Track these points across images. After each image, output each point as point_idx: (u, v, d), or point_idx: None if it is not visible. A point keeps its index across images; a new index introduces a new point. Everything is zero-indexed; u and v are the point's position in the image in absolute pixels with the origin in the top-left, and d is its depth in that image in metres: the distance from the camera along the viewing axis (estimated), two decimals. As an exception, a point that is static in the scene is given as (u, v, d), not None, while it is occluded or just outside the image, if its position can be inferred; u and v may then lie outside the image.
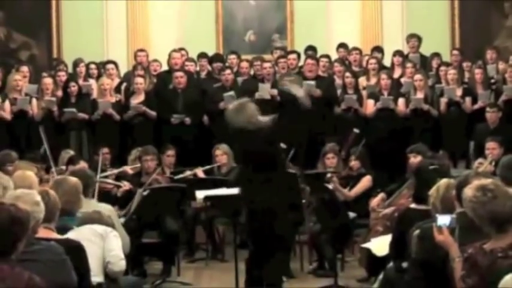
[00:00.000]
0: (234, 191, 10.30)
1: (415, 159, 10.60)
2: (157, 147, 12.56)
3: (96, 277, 6.62)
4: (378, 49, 15.47)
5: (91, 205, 7.76)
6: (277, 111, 9.72)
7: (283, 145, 11.75)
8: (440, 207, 6.68)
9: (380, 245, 8.53)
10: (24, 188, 6.49)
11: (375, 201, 10.91)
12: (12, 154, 10.83)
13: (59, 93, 14.27)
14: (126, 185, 10.88)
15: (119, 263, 7.01)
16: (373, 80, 14.53)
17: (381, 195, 11.21)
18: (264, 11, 16.79)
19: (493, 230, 5.30)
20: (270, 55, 15.53)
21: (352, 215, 11.25)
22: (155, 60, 15.14)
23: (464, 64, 14.96)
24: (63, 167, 11.29)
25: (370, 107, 14.10)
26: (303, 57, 14.93)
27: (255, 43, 16.71)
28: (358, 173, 11.69)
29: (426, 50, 15.52)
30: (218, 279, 10.77)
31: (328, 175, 11.10)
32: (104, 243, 6.89)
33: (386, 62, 15.26)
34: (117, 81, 14.68)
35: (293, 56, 14.87)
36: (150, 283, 10.13)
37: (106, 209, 8.16)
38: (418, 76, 14.10)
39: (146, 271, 10.50)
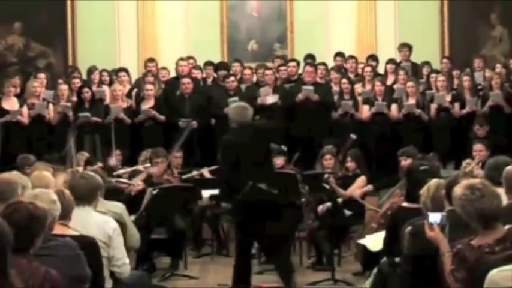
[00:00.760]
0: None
1: (405, 162, 10.62)
2: (166, 149, 12.58)
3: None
4: (373, 57, 15.48)
5: (102, 204, 7.76)
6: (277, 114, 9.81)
7: (284, 147, 11.82)
8: (431, 206, 6.67)
9: (374, 241, 8.52)
10: (41, 187, 6.50)
11: (358, 190, 11.09)
12: (30, 157, 10.87)
13: (74, 98, 14.28)
14: (140, 185, 10.86)
15: (125, 270, 7.02)
16: (368, 87, 14.56)
17: (368, 186, 11.53)
18: (265, 21, 16.78)
19: (481, 227, 5.30)
20: (271, 63, 15.52)
21: (348, 213, 11.27)
22: (164, 68, 15.16)
23: (454, 72, 14.96)
24: (80, 168, 11.29)
25: (365, 111, 14.13)
26: (302, 64, 14.91)
27: (257, 52, 16.69)
28: (353, 173, 11.68)
29: (417, 58, 15.51)
30: (223, 272, 10.74)
31: (326, 175, 11.08)
32: (109, 249, 6.88)
33: (380, 69, 15.25)
34: (128, 87, 14.70)
35: (293, 63, 14.88)
36: (159, 276, 10.11)
37: (118, 207, 8.16)
38: (410, 83, 14.15)
39: (155, 265, 10.50)
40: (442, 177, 7.29)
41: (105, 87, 14.66)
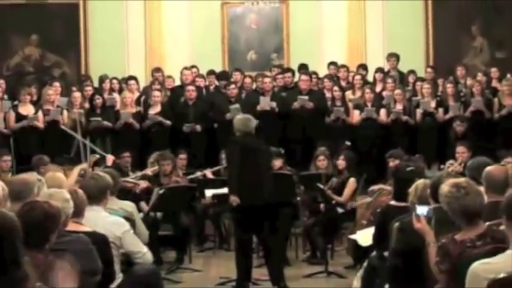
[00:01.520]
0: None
1: (393, 163, 10.63)
2: (172, 151, 12.62)
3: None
4: (363, 67, 15.48)
5: (114, 202, 7.77)
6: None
7: (281, 150, 11.82)
8: (418, 204, 6.68)
9: (364, 237, 8.53)
10: (54, 187, 6.51)
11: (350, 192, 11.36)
12: (44, 158, 10.90)
13: (86, 105, 14.28)
14: (143, 184, 10.84)
15: (146, 259, 7.06)
16: (358, 94, 14.57)
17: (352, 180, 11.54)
18: (263, 33, 16.78)
19: (464, 223, 5.30)
20: (269, 72, 15.52)
21: (340, 210, 11.28)
22: (169, 77, 15.17)
23: (439, 80, 14.97)
24: (90, 169, 11.29)
25: (355, 116, 14.14)
26: (297, 73, 14.93)
27: (255, 61, 16.70)
28: (344, 177, 11.65)
29: (404, 67, 15.53)
30: (225, 266, 10.75)
31: (321, 186, 11.04)
32: (123, 247, 6.88)
33: (370, 77, 15.26)
34: (137, 94, 14.70)
35: (288, 74, 14.87)
36: (166, 269, 10.11)
37: (128, 205, 8.18)
38: (398, 91, 14.20)
39: (162, 259, 10.49)
40: (427, 177, 7.30)
41: (115, 95, 14.67)
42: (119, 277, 6.69)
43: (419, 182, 6.88)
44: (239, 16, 16.71)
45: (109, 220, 6.91)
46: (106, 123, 13.86)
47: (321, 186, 11.00)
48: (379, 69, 15.31)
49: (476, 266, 4.73)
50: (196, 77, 14.97)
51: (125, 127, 13.88)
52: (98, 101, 14.15)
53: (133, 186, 11.00)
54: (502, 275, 4.48)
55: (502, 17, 16.39)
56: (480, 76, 14.92)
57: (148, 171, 11.77)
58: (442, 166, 11.64)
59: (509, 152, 11.11)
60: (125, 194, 9.46)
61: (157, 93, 14.19)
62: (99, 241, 6.05)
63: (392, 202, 7.83)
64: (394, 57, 15.58)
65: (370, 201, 10.13)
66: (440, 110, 14.02)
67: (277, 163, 11.25)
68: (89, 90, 14.62)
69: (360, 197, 11.41)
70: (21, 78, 15.99)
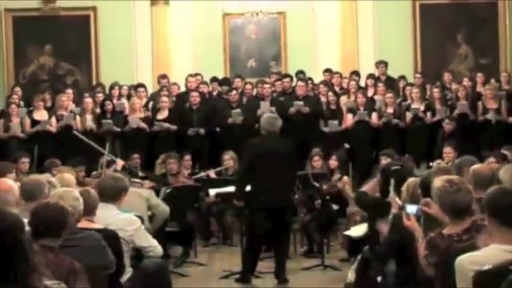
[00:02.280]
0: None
1: (385, 161, 10.62)
2: (177, 153, 12.66)
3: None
4: (355, 73, 15.48)
5: (131, 193, 7.82)
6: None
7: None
8: (409, 201, 6.68)
9: (356, 231, 8.57)
10: (65, 187, 6.52)
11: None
12: (55, 161, 10.91)
13: (98, 110, 14.31)
14: (148, 183, 10.82)
15: (157, 252, 7.07)
16: (351, 98, 14.57)
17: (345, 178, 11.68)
18: (262, 42, 16.79)
19: (452, 217, 5.31)
20: (268, 78, 15.51)
21: (335, 207, 11.28)
22: (174, 83, 15.17)
23: (427, 85, 14.98)
24: (100, 170, 11.31)
25: (349, 119, 14.13)
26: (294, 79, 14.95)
27: (255, 69, 16.70)
28: (338, 178, 11.71)
29: (394, 73, 15.52)
30: (228, 260, 10.77)
31: (316, 184, 11.04)
32: (135, 243, 6.88)
33: (362, 83, 15.26)
34: (145, 100, 14.70)
35: (287, 79, 14.90)
36: (172, 264, 10.10)
37: (144, 191, 8.30)
38: (389, 95, 14.20)
39: (169, 254, 10.48)
40: (415, 175, 7.30)
41: (124, 100, 14.67)
42: (129, 271, 6.68)
43: (411, 181, 6.88)
44: (239, 27, 16.71)
45: (121, 217, 6.91)
46: (115, 128, 13.88)
47: (317, 184, 11.01)
48: (371, 76, 15.33)
49: (463, 258, 4.72)
50: (200, 83, 14.97)
51: (133, 131, 13.88)
52: (109, 106, 14.20)
53: (140, 187, 11.03)
54: (486, 267, 4.47)
55: (485, 26, 16.40)
56: (466, 81, 14.92)
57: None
58: (430, 164, 11.63)
59: (492, 152, 11.12)
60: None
61: (165, 98, 14.22)
62: (110, 237, 6.04)
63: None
64: (383, 63, 15.58)
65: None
66: (428, 113, 14.04)
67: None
68: (100, 96, 14.64)
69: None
70: (36, 85, 16.00)
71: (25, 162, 11.61)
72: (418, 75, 15.46)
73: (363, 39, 16.47)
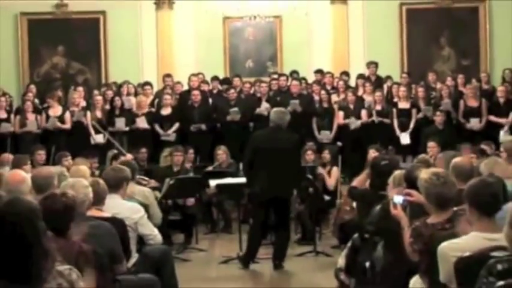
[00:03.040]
0: (237, 180, 10.41)
1: (374, 154, 10.64)
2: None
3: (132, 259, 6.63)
4: (345, 73, 15.48)
5: (134, 188, 7.82)
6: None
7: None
8: (396, 192, 6.69)
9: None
10: (78, 177, 6.52)
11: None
12: (66, 153, 10.90)
13: (107, 107, 14.32)
14: (152, 182, 10.81)
15: (157, 240, 7.07)
16: (342, 96, 14.56)
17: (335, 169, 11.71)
18: (260, 44, 16.79)
19: (436, 207, 5.32)
20: (265, 78, 15.50)
21: (326, 197, 11.30)
22: (178, 82, 15.17)
23: (413, 85, 14.99)
24: (108, 162, 11.34)
25: (340, 116, 14.12)
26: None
27: (253, 69, 16.70)
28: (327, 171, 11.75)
29: (382, 73, 15.53)
30: (227, 246, 10.78)
31: (310, 176, 11.05)
32: (138, 230, 6.89)
33: (352, 82, 15.26)
34: (151, 97, 14.69)
35: (283, 78, 14.87)
36: (175, 250, 10.10)
37: (146, 191, 8.29)
38: (378, 93, 14.18)
39: (172, 241, 10.48)
40: (401, 168, 7.32)
41: (131, 98, 14.67)
42: (135, 256, 6.69)
43: (397, 173, 6.89)
44: (238, 29, 16.70)
45: (127, 206, 6.92)
46: (123, 128, 13.95)
47: (310, 176, 11.02)
48: (360, 76, 15.32)
49: (445, 245, 4.73)
50: (201, 82, 14.96)
51: (142, 129, 13.94)
52: (118, 102, 14.22)
53: (145, 184, 11.07)
54: (467, 254, 4.48)
55: (466, 30, 16.42)
56: (449, 81, 14.93)
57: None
58: (415, 159, 11.64)
59: (472, 147, 11.14)
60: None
61: (168, 96, 14.23)
62: (118, 225, 6.05)
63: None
64: (373, 64, 15.58)
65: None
66: (414, 110, 14.04)
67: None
68: (109, 94, 14.64)
69: (342, 186, 11.45)
70: (49, 84, 15.98)
71: (41, 154, 11.61)
72: (404, 75, 15.44)
73: (353, 42, 16.47)
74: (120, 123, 13.92)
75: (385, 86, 15.07)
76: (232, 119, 13.88)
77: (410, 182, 6.22)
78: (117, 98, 14.28)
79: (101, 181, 6.55)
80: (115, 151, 12.34)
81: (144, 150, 12.65)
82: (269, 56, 16.79)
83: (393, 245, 6.03)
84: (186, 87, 15.00)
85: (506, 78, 14.99)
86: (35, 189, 6.30)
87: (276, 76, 15.19)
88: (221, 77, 15.71)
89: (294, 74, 15.27)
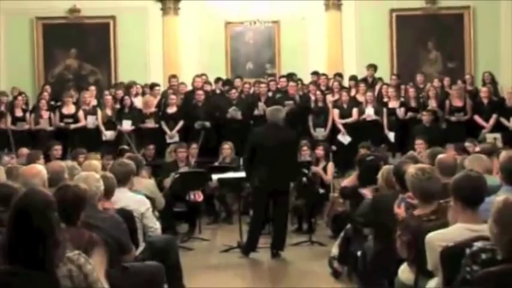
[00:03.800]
0: (238, 174, 10.41)
1: (364, 151, 10.64)
2: (185, 143, 12.72)
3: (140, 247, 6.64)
4: (339, 75, 15.47)
5: (140, 181, 7.82)
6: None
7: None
8: (385, 186, 6.70)
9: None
10: (91, 171, 6.52)
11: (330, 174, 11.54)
12: (82, 149, 10.92)
13: (117, 106, 14.33)
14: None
15: (157, 233, 7.09)
16: (336, 96, 14.55)
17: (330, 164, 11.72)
18: (259, 47, 16.76)
19: (421, 201, 5.33)
20: (264, 79, 15.48)
21: (321, 191, 11.29)
22: (182, 83, 15.16)
23: (402, 86, 14.99)
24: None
25: (335, 114, 14.10)
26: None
27: (253, 70, 16.67)
28: (323, 166, 11.75)
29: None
30: (228, 236, 10.77)
31: (306, 171, 11.05)
32: (143, 221, 6.89)
33: (345, 84, 15.25)
34: (158, 97, 14.68)
35: (283, 79, 14.88)
36: (180, 239, 10.11)
37: (150, 183, 8.31)
38: (369, 93, 14.15)
39: (177, 230, 10.49)
40: (390, 164, 7.32)
41: (139, 97, 14.69)
42: (142, 245, 6.69)
43: (385, 168, 6.90)
44: (239, 34, 16.68)
45: (135, 199, 6.92)
46: (130, 128, 13.97)
47: (306, 171, 11.02)
48: (352, 77, 15.33)
49: (432, 236, 4.74)
50: (204, 83, 14.94)
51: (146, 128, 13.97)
52: (127, 101, 14.24)
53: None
54: (452, 243, 4.49)
55: (452, 35, 16.41)
56: (436, 82, 14.92)
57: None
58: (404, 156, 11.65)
59: (457, 144, 11.16)
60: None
61: (173, 96, 14.23)
62: (126, 217, 6.07)
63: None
64: (372, 67, 15.57)
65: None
66: (402, 109, 14.03)
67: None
68: (119, 93, 14.66)
69: (335, 180, 11.47)
70: (63, 84, 15.98)
71: (57, 149, 11.65)
72: (394, 77, 15.44)
73: (346, 45, 16.46)
74: (127, 125, 13.92)
75: (377, 87, 15.04)
76: (233, 117, 13.88)
77: (399, 176, 6.23)
78: (126, 98, 14.31)
79: (110, 175, 6.55)
80: (125, 147, 12.38)
81: (151, 147, 12.74)
82: (268, 58, 16.77)
83: (382, 235, 6.04)
84: (189, 88, 15.00)
85: (486, 81, 15.02)
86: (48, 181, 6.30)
87: (272, 78, 15.22)
88: (223, 78, 15.69)
89: (291, 75, 15.25)
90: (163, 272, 6.41)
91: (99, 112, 14.10)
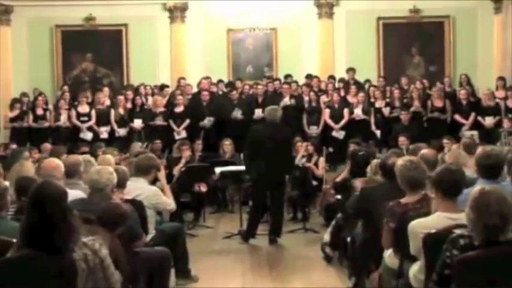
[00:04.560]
0: (238, 168, 10.41)
1: (353, 147, 10.63)
2: (190, 140, 12.69)
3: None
4: (331, 77, 15.45)
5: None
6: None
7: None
8: (374, 177, 6.71)
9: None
10: (105, 165, 6.52)
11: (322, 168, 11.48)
12: (101, 144, 10.99)
13: (129, 105, 14.35)
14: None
15: (173, 207, 7.19)
16: (328, 97, 14.55)
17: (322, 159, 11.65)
18: (258, 52, 16.72)
19: (408, 189, 5.34)
20: (262, 81, 15.47)
21: (314, 183, 11.30)
22: (188, 85, 15.18)
23: (387, 87, 14.98)
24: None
25: (326, 113, 14.10)
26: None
27: (252, 73, 16.63)
28: (315, 160, 11.73)
29: (361, 77, 15.54)
30: (229, 224, 10.79)
31: (300, 164, 11.06)
32: (157, 206, 6.91)
33: (336, 85, 15.25)
34: (167, 98, 14.68)
35: (277, 82, 14.87)
36: (186, 226, 10.11)
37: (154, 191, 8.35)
38: (360, 95, 14.17)
39: (183, 218, 10.49)
40: (378, 158, 7.33)
41: (149, 97, 14.70)
42: (152, 232, 6.70)
43: (374, 162, 6.91)
44: (240, 40, 16.64)
45: (150, 188, 6.94)
46: (141, 125, 14.00)
47: (300, 164, 11.03)
48: (341, 80, 15.35)
49: (414, 223, 4.75)
50: (209, 84, 14.92)
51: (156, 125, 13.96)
52: (139, 101, 14.29)
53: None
54: (433, 231, 4.49)
55: (433, 41, 16.39)
56: (418, 84, 14.91)
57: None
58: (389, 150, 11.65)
59: (437, 140, 11.18)
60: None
61: (180, 97, 14.26)
62: (137, 206, 6.06)
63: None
64: (352, 70, 15.56)
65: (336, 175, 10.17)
66: (387, 109, 14.06)
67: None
68: (130, 94, 14.68)
69: (327, 173, 11.46)
70: (79, 85, 15.96)
71: (84, 149, 11.67)
72: (381, 79, 15.44)
73: (337, 50, 16.43)
74: (138, 124, 13.99)
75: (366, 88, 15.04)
76: (235, 116, 13.91)
77: (385, 169, 6.24)
78: (137, 98, 14.36)
79: (122, 168, 6.56)
80: (139, 143, 12.45)
81: (158, 141, 12.75)
82: (266, 62, 16.74)
83: (370, 224, 6.04)
84: (195, 89, 15.01)
85: (463, 83, 15.03)
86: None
87: (269, 80, 15.22)
88: (225, 80, 15.70)
89: (286, 78, 15.25)
90: (170, 256, 6.42)
91: (112, 111, 14.13)
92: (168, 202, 7.12)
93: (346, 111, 14.00)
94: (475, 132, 13.03)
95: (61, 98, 14.54)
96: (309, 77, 15.40)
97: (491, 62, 16.08)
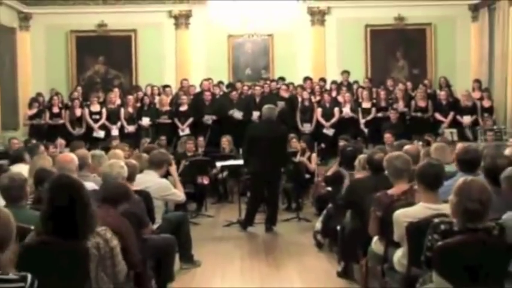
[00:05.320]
0: (237, 162, 10.40)
1: (343, 143, 10.63)
2: (194, 136, 12.68)
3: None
4: (322, 79, 15.44)
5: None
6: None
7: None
8: (361, 170, 6.71)
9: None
10: (116, 159, 6.51)
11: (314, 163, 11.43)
12: (116, 136, 11.08)
13: (138, 104, 14.34)
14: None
15: (182, 198, 7.18)
16: (318, 97, 14.53)
17: (314, 155, 11.65)
18: (256, 55, 16.69)
19: (393, 179, 5.38)
20: (260, 82, 15.45)
21: (307, 176, 11.30)
22: (192, 85, 15.15)
23: (374, 89, 14.97)
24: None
25: (318, 112, 14.10)
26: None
27: (251, 75, 16.60)
28: (308, 155, 11.73)
29: (351, 79, 15.53)
30: (229, 213, 10.78)
31: (295, 159, 11.04)
32: (166, 198, 6.91)
33: (328, 87, 15.24)
34: (170, 97, 14.66)
35: (274, 83, 14.86)
36: (189, 215, 10.10)
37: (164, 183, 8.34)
38: (347, 94, 14.17)
39: (187, 208, 10.48)
40: (365, 153, 7.33)
41: (155, 97, 14.69)
42: (158, 222, 6.69)
43: (361, 156, 6.92)
44: (240, 44, 16.60)
45: (160, 181, 6.93)
46: (149, 123, 13.98)
47: (295, 159, 11.03)
48: (333, 82, 15.32)
49: (399, 213, 4.76)
50: (211, 85, 14.90)
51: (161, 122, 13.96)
52: (147, 100, 14.31)
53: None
54: (415, 220, 4.50)
55: (416, 46, 16.38)
56: (401, 86, 14.90)
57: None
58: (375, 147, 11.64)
59: (420, 137, 11.19)
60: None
61: (183, 97, 14.27)
62: (144, 196, 6.06)
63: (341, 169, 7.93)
64: (346, 73, 15.55)
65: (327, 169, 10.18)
66: (373, 109, 14.07)
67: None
68: (139, 94, 14.71)
69: (319, 167, 11.46)
70: (92, 86, 15.94)
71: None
72: (366, 80, 15.45)
73: (328, 54, 16.41)
74: (145, 121, 14.02)
75: (354, 90, 15.04)
76: (234, 116, 13.91)
77: (372, 163, 6.24)
78: (145, 97, 14.36)
79: (132, 161, 6.55)
80: (148, 140, 12.46)
81: (163, 137, 12.78)
82: (263, 65, 16.71)
83: (358, 213, 6.05)
84: (198, 89, 14.99)
85: (442, 84, 15.04)
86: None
87: (266, 81, 15.21)
88: (226, 81, 15.70)
89: (281, 79, 15.25)
90: (175, 243, 6.43)
91: (122, 110, 14.14)
92: (179, 194, 7.13)
93: (336, 110, 14.02)
94: (454, 130, 13.06)
95: (74, 98, 14.53)
96: (307, 79, 15.40)
97: (468, 66, 16.10)
